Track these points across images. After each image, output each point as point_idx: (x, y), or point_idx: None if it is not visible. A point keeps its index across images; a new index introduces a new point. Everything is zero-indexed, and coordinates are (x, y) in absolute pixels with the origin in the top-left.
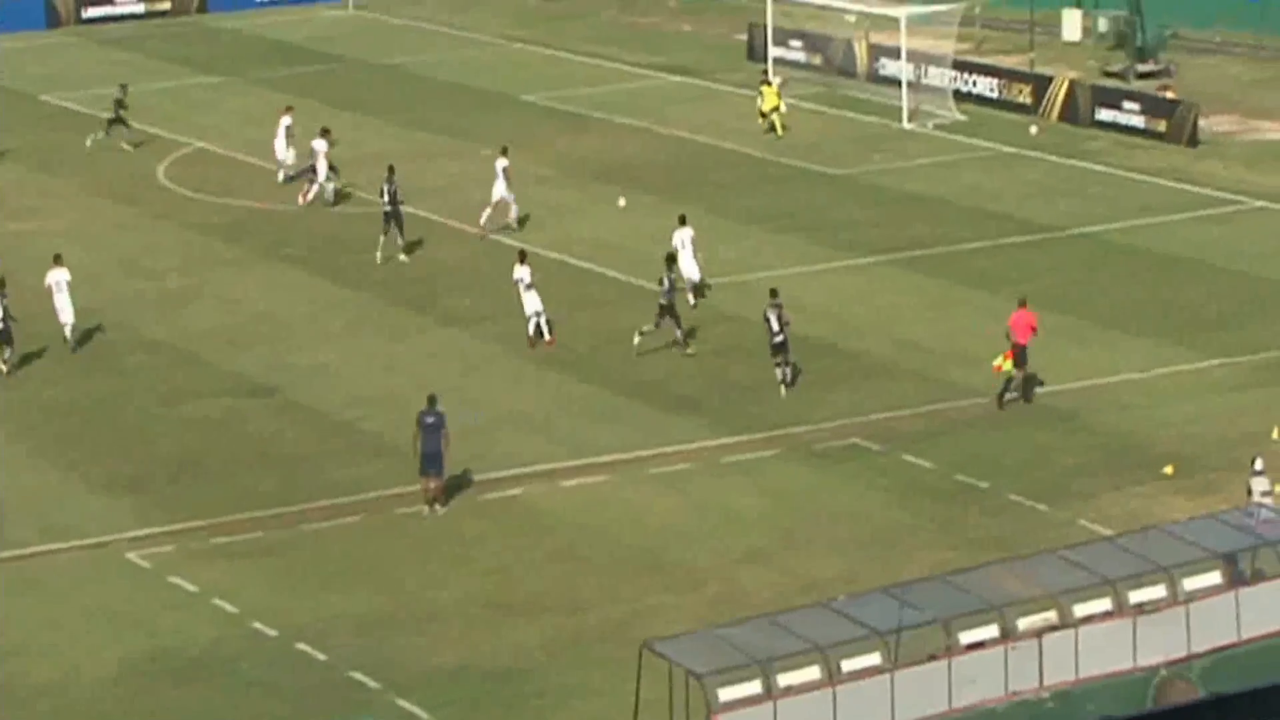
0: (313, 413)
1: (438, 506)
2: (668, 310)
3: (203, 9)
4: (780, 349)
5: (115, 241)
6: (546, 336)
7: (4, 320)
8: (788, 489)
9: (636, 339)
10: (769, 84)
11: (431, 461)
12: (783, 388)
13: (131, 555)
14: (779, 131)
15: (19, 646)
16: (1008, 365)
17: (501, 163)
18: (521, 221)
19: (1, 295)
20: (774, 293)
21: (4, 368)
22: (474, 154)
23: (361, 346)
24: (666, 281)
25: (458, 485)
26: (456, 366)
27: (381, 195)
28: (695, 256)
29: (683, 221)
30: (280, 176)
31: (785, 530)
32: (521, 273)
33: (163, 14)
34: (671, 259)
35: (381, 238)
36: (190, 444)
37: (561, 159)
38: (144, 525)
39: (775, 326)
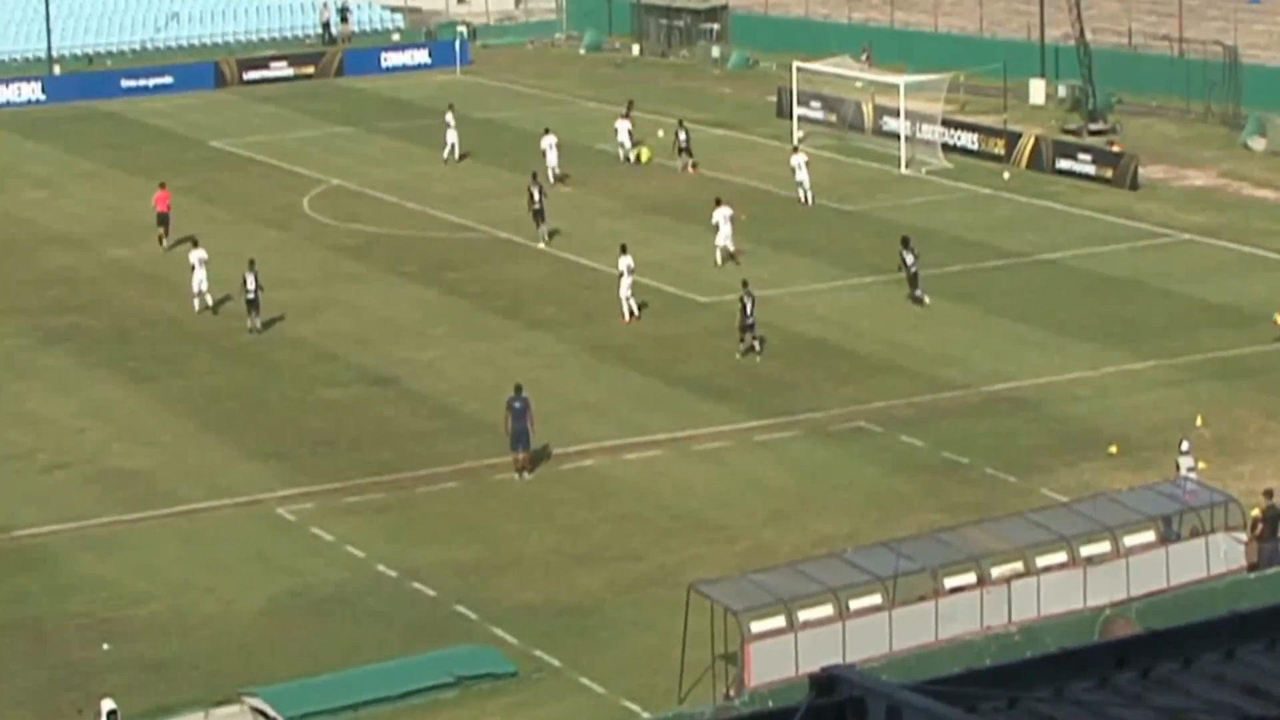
0: (424, 398)
1: (525, 474)
2: (748, 327)
3: (340, 73)
4: (750, 328)
5: (267, 259)
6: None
7: (255, 290)
8: (805, 463)
9: (738, 355)
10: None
11: (519, 438)
12: (757, 356)
13: (280, 510)
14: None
15: (187, 584)
16: None
17: (723, 211)
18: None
19: (252, 270)
20: (745, 283)
21: (257, 326)
22: (557, 190)
23: (462, 346)
24: (747, 304)
25: (540, 458)
26: (539, 362)
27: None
28: (732, 226)
29: (718, 203)
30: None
31: (803, 496)
32: (625, 262)
33: (308, 76)
34: (745, 284)
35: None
36: (326, 422)
37: (628, 197)
38: (290, 487)
39: (748, 310)
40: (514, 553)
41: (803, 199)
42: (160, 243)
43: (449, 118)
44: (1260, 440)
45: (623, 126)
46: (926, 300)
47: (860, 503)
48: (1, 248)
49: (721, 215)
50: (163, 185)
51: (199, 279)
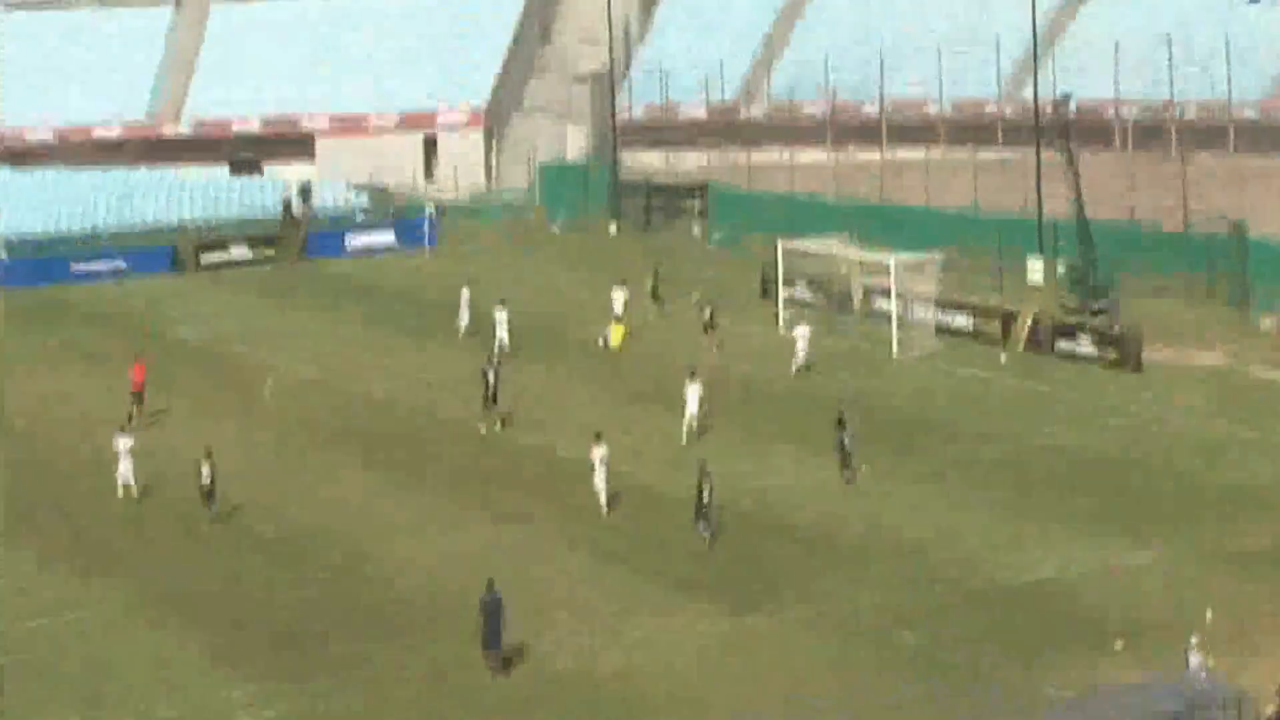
0: (393, 593)
1: (499, 676)
2: (703, 512)
3: (302, 255)
4: (705, 512)
5: (226, 450)
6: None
7: (211, 480)
8: (794, 661)
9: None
10: (618, 321)
11: (492, 637)
12: (708, 540)
13: (242, 715)
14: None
15: None
16: None
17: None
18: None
19: (208, 460)
20: (703, 464)
21: (214, 514)
22: (528, 374)
23: (433, 539)
24: (706, 486)
25: (516, 657)
26: (513, 556)
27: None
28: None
29: (692, 375)
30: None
31: (791, 696)
32: (599, 453)
33: (268, 259)
34: (703, 464)
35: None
36: (291, 619)
37: (607, 380)
38: (250, 687)
39: (704, 494)
40: None
41: (794, 369)
42: (130, 420)
43: (466, 293)
44: (1274, 635)
45: (619, 297)
46: (859, 475)
47: (853, 703)
48: None
49: (692, 392)
50: (139, 358)
51: (125, 469)
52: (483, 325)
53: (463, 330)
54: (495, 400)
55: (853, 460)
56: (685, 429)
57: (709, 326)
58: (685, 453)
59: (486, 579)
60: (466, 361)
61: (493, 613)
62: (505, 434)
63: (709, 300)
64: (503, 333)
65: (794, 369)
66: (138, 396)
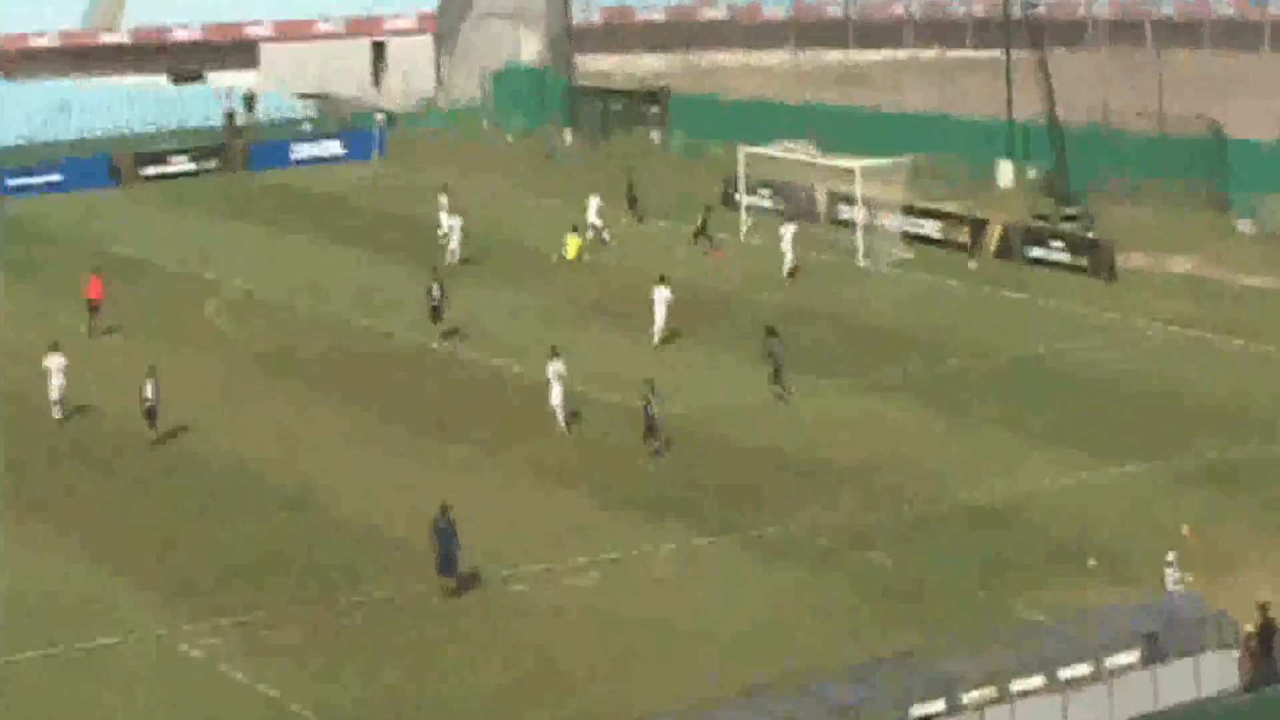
0: (343, 522)
1: (452, 601)
2: (652, 430)
3: (246, 166)
4: (654, 430)
5: (168, 372)
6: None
7: (154, 400)
8: (767, 583)
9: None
10: (574, 231)
11: (447, 562)
12: (654, 461)
13: (185, 647)
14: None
15: None
16: None
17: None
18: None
19: (151, 377)
20: (650, 382)
21: (155, 436)
22: (481, 291)
23: (384, 464)
24: (651, 404)
25: (471, 583)
26: (467, 479)
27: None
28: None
29: (661, 279)
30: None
31: (764, 620)
32: (555, 368)
33: (211, 171)
34: (650, 382)
35: None
36: (234, 549)
37: (559, 297)
38: (196, 620)
39: (651, 411)
40: (447, 688)
41: (785, 270)
42: (90, 330)
43: (443, 199)
44: (1251, 551)
45: (594, 204)
46: (793, 392)
47: (826, 625)
48: None
49: (660, 296)
50: (98, 270)
51: (57, 385)
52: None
53: (445, 240)
54: (441, 315)
55: (784, 375)
56: (657, 333)
57: (700, 233)
58: (648, 366)
59: (440, 503)
60: (418, 277)
61: (446, 538)
62: (457, 351)
63: (707, 208)
64: (454, 243)
65: (785, 271)
66: (93, 310)
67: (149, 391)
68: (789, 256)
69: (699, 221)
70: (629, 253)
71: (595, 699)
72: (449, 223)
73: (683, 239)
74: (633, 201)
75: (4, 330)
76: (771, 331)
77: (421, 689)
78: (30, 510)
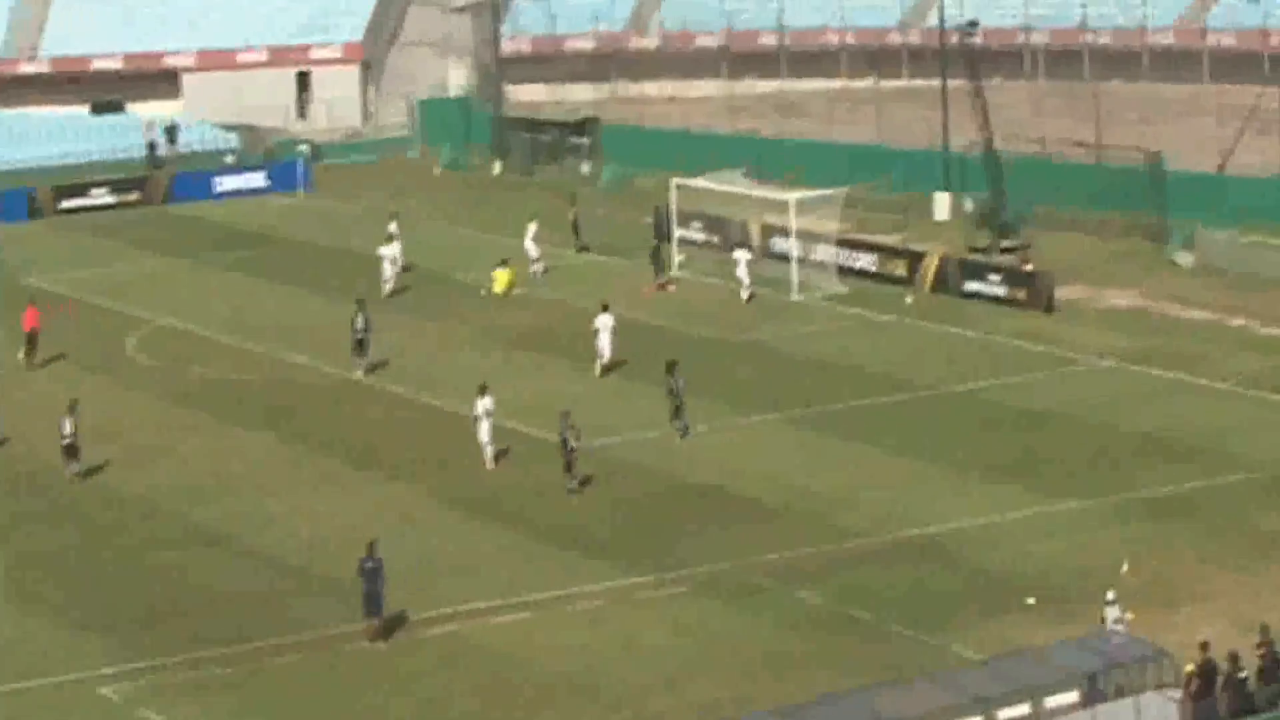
0: (267, 559)
1: (380, 643)
2: (570, 464)
3: (168, 200)
4: (571, 464)
5: (89, 407)
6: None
7: (74, 435)
8: (691, 622)
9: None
10: (504, 265)
11: (372, 602)
12: (573, 495)
13: (103, 690)
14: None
15: None
16: None
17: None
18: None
19: (72, 414)
20: (566, 415)
21: (78, 473)
22: (410, 324)
23: (309, 499)
24: (566, 433)
25: (397, 623)
26: (395, 516)
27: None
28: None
29: (604, 308)
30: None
31: (689, 659)
32: (484, 404)
33: (132, 204)
34: (567, 415)
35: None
36: (156, 588)
37: (489, 330)
38: (114, 663)
39: (569, 445)
40: None
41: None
42: (28, 360)
43: (393, 227)
44: (1194, 587)
45: (531, 230)
46: (692, 430)
47: (752, 665)
48: None
49: (603, 324)
50: (32, 302)
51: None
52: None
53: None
54: (365, 348)
55: (684, 411)
56: (598, 363)
57: (654, 261)
58: (579, 399)
59: (367, 542)
60: (344, 309)
61: (373, 577)
62: (386, 387)
63: (658, 239)
64: (389, 270)
65: (744, 297)
66: (31, 342)
67: (67, 428)
68: (746, 283)
69: (570, 220)
70: (559, 285)
71: None
72: (387, 253)
73: (615, 271)
74: (576, 230)
75: None
76: (671, 367)
77: None
78: None
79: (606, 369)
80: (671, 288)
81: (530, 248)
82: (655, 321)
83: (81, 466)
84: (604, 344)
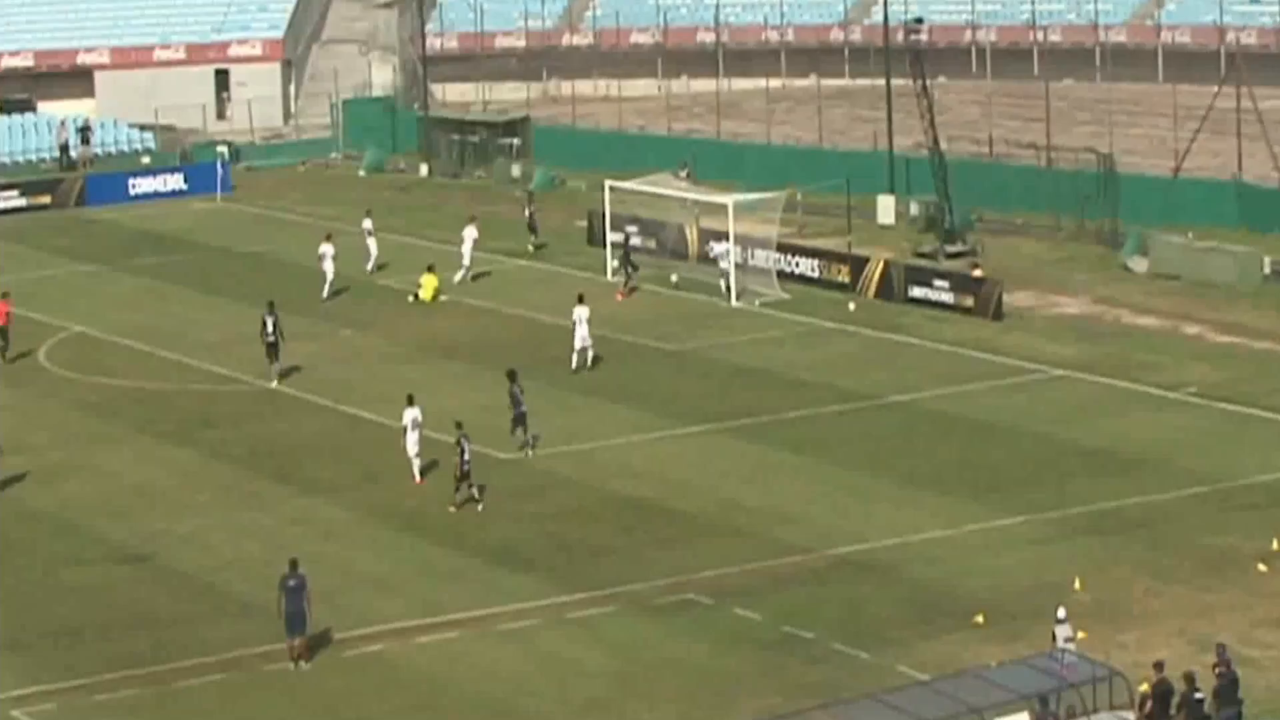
0: (183, 577)
1: (302, 663)
2: (465, 475)
3: (81, 202)
4: (466, 475)
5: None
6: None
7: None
8: (625, 642)
9: (453, 508)
10: (431, 271)
11: (295, 621)
12: (478, 505)
13: (15, 713)
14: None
15: None
16: None
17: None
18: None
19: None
20: (459, 425)
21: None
22: (330, 334)
23: (228, 515)
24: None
25: (320, 643)
26: (317, 532)
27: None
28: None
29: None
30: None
31: (623, 680)
32: (411, 415)
33: (43, 207)
34: (459, 426)
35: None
36: (69, 608)
37: (414, 338)
38: (27, 685)
39: (464, 455)
40: None
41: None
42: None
43: (367, 224)
44: (1146, 604)
45: (470, 235)
46: (534, 442)
47: (689, 686)
48: None
49: (579, 316)
50: (5, 295)
51: None
52: (234, 285)
53: (371, 267)
54: (277, 353)
55: (525, 422)
56: (575, 356)
57: (623, 266)
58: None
59: (290, 559)
60: (257, 317)
61: (295, 595)
62: (308, 396)
63: (626, 241)
64: (328, 266)
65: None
66: (2, 332)
67: None
68: (577, 347)
69: (526, 218)
70: (489, 292)
71: None
72: (327, 250)
73: (542, 276)
74: (533, 228)
75: None
76: (513, 375)
77: None
78: None
79: (582, 363)
80: (628, 295)
81: (465, 252)
82: (594, 330)
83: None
84: (580, 336)
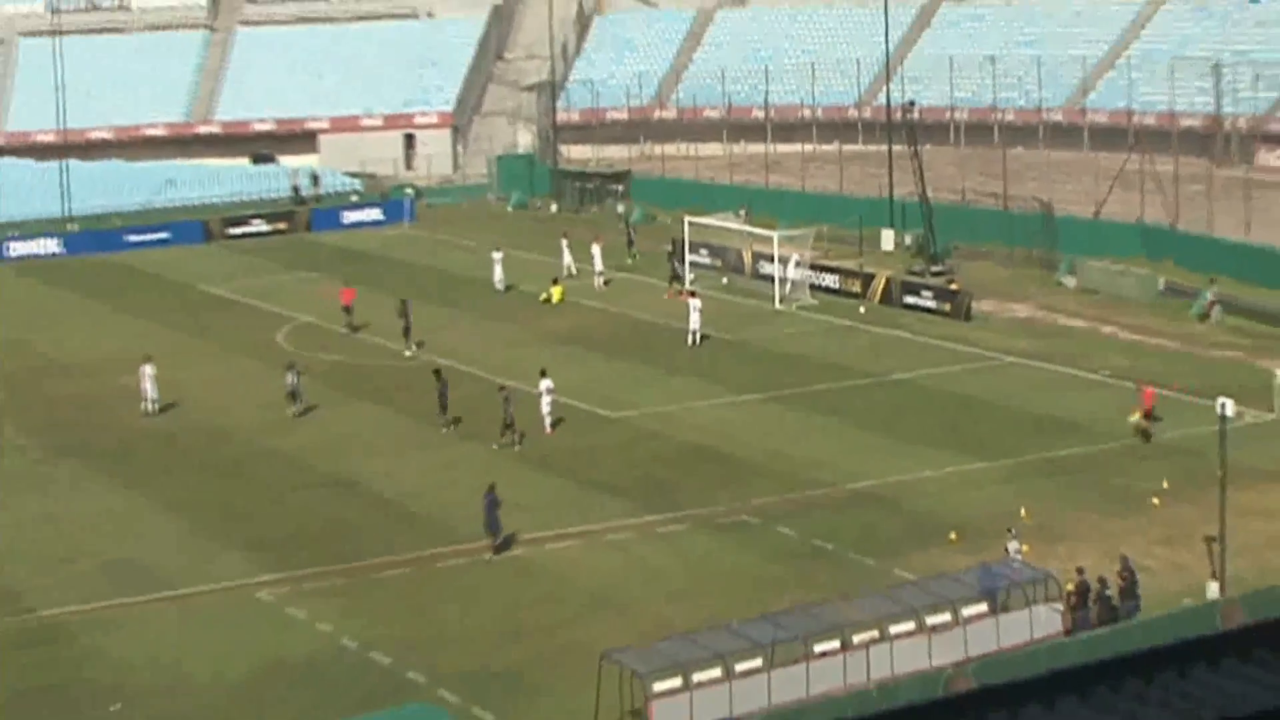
0: (380, 500)
1: (492, 556)
2: (509, 426)
3: (308, 229)
4: (510, 425)
5: (246, 384)
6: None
7: (295, 384)
8: (695, 551)
9: (495, 446)
10: (556, 282)
11: (491, 526)
12: (516, 447)
13: (260, 594)
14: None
15: (182, 656)
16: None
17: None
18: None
19: (292, 369)
20: (502, 387)
21: (299, 410)
22: (472, 324)
23: (412, 456)
24: (508, 404)
25: (509, 542)
26: (474, 469)
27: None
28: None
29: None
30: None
31: (694, 579)
32: (545, 384)
33: (281, 232)
34: (502, 387)
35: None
36: (298, 519)
37: (542, 331)
38: (268, 573)
39: (508, 409)
40: (455, 628)
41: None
42: (350, 328)
43: (496, 255)
44: (1074, 527)
45: (597, 251)
46: (450, 427)
47: (743, 584)
48: (26, 375)
49: (694, 305)
50: (347, 283)
51: (149, 389)
52: (422, 290)
53: (499, 285)
54: (408, 334)
55: (448, 406)
56: (690, 337)
57: (675, 278)
58: (607, 381)
59: (488, 484)
60: (437, 313)
61: (491, 508)
62: (477, 373)
63: (676, 254)
64: (499, 272)
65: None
66: (346, 309)
67: (290, 379)
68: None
69: (625, 237)
70: (597, 295)
71: (569, 637)
72: (498, 257)
73: (643, 288)
74: (630, 243)
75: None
76: (437, 374)
77: (438, 628)
78: (139, 487)
79: (697, 341)
80: (683, 296)
81: (598, 265)
82: (664, 322)
83: (304, 404)
84: (694, 320)
